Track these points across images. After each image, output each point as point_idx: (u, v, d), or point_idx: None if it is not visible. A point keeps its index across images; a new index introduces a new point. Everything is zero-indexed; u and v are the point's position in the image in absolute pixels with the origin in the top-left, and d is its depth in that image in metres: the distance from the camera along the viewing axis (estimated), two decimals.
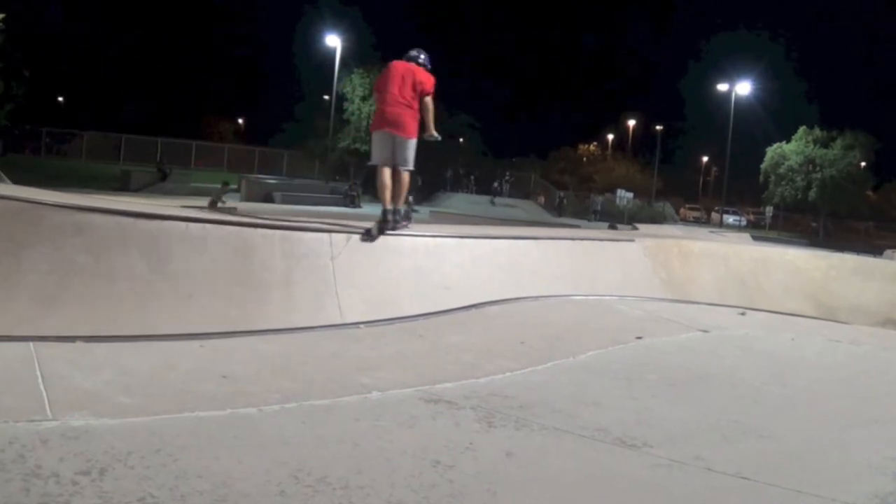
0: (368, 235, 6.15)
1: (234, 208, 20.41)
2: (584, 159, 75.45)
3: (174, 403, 3.23)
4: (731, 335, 6.18)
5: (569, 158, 72.69)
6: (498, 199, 43.27)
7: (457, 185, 48.27)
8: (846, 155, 48.25)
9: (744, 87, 45.20)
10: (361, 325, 5.32)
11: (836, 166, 48.03)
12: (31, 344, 3.89)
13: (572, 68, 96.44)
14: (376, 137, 6.72)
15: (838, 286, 8.91)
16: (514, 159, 62.87)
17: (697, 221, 54.70)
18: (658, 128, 63.02)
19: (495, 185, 45.64)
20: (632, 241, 9.02)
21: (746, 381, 4.59)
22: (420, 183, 37.78)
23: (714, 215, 54.89)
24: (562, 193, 49.61)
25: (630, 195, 46.57)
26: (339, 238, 5.79)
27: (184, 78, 72.05)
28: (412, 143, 6.59)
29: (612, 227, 27.97)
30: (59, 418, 2.89)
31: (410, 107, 6.53)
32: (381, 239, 6.26)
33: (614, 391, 4.12)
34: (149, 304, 4.71)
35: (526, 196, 48.70)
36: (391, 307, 5.70)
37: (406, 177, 6.70)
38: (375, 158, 6.69)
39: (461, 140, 53.65)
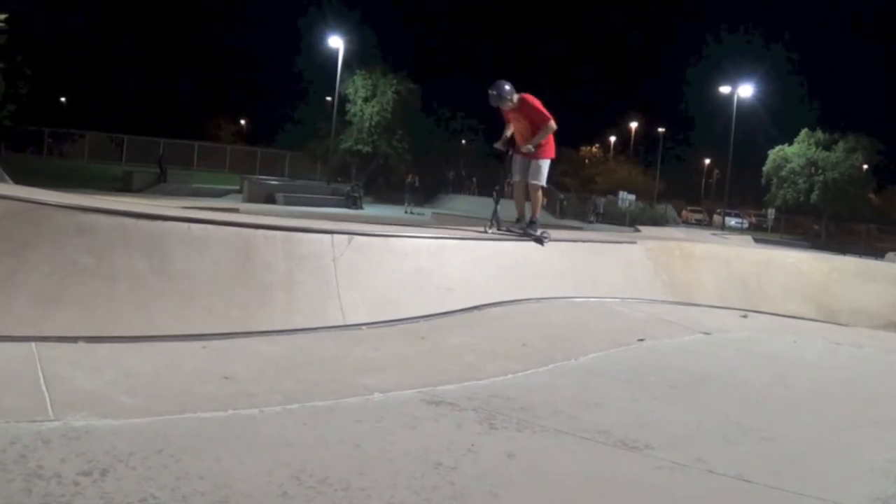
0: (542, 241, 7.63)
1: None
2: (587, 161, 75.52)
3: (176, 404, 3.23)
4: (733, 337, 6.17)
5: (571, 160, 72.72)
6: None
7: (459, 187, 48.30)
8: (848, 157, 48.28)
9: (746, 90, 45.20)
10: (363, 327, 5.32)
11: (838, 169, 48.06)
12: (32, 344, 3.89)
13: (575, 70, 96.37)
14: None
15: (840, 289, 8.92)
16: None
17: (699, 224, 54.70)
18: (660, 130, 63.08)
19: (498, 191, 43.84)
20: (634, 243, 9.02)
21: (748, 383, 4.59)
22: (418, 184, 37.83)
23: (716, 217, 54.89)
24: (562, 195, 49.62)
25: (632, 197, 46.58)
26: (340, 239, 5.79)
27: (186, 79, 72.14)
28: None
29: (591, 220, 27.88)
30: (61, 419, 2.89)
31: None
32: (383, 240, 6.28)
33: (616, 393, 4.12)
34: (151, 304, 4.72)
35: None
36: (393, 308, 5.69)
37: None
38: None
39: (463, 142, 53.74)
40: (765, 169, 51.04)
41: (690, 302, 8.03)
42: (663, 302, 7.72)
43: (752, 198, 58.93)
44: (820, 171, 48.49)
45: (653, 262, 8.56)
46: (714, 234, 19.04)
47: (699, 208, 63.95)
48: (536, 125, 7.69)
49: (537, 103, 7.72)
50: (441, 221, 22.79)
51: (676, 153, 70.74)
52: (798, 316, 8.05)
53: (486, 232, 7.65)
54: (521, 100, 7.73)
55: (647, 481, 2.85)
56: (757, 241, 20.08)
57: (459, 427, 3.30)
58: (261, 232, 5.45)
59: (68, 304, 4.41)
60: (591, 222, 38.11)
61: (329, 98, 44.65)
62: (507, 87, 7.67)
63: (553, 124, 7.70)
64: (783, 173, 49.70)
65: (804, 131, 50.20)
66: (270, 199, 32.18)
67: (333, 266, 5.62)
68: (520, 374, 4.37)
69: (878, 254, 19.53)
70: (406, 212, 34.41)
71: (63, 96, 61.66)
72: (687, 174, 74.24)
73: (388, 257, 6.12)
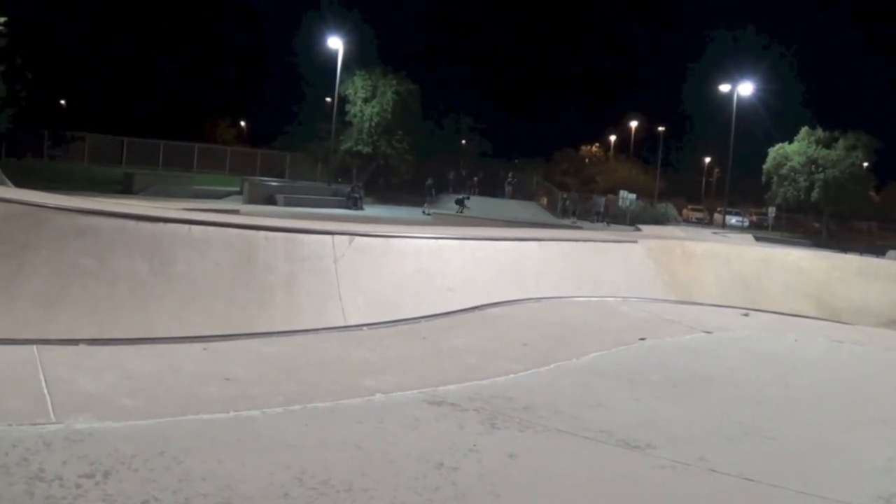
0: None
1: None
2: (587, 160, 75.45)
3: (178, 406, 3.23)
4: (735, 336, 6.17)
5: (571, 160, 72.66)
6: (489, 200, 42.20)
7: (460, 187, 48.26)
8: (848, 155, 48.22)
9: (746, 88, 45.14)
10: (364, 328, 5.32)
11: (838, 167, 48.00)
12: (34, 347, 3.89)
13: (575, 69, 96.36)
14: None
15: (841, 287, 8.91)
16: (517, 160, 62.83)
17: (700, 222, 54.64)
18: (660, 129, 63.05)
19: (465, 196, 39.65)
20: (635, 242, 9.02)
21: (750, 382, 4.59)
22: (431, 182, 37.74)
23: (716, 216, 54.82)
24: (565, 195, 49.57)
25: (633, 196, 46.51)
26: (341, 240, 5.79)
27: (186, 80, 72.11)
28: None
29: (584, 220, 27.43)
30: (63, 421, 2.89)
31: None
32: (384, 241, 6.28)
33: (617, 393, 4.12)
34: (152, 306, 4.72)
35: (529, 198, 48.64)
36: (394, 309, 5.70)
37: None
38: None
39: (463, 142, 53.80)
40: (765, 167, 50.97)
41: (692, 301, 8.03)
42: (665, 301, 7.72)
43: (752, 196, 58.84)
44: (820, 169, 48.43)
45: (654, 262, 8.56)
46: (715, 233, 19.05)
47: (700, 207, 63.87)
48: None
49: None
50: (442, 222, 22.78)
51: (677, 149, 70.78)
52: (799, 314, 8.05)
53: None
54: None
55: (650, 481, 2.85)
56: (758, 239, 20.08)
57: (461, 427, 3.30)
58: (262, 233, 5.45)
59: (69, 307, 4.42)
60: (593, 221, 37.86)
61: (329, 99, 44.63)
62: None
63: None
64: (783, 171, 49.62)
65: (804, 129, 50.14)
66: (271, 201, 32.10)
67: (334, 267, 5.62)
68: (521, 374, 4.37)
69: (880, 251, 19.51)
70: (424, 212, 34.18)
71: (63, 98, 61.66)
72: (687, 173, 74.20)
73: (388, 258, 6.12)
